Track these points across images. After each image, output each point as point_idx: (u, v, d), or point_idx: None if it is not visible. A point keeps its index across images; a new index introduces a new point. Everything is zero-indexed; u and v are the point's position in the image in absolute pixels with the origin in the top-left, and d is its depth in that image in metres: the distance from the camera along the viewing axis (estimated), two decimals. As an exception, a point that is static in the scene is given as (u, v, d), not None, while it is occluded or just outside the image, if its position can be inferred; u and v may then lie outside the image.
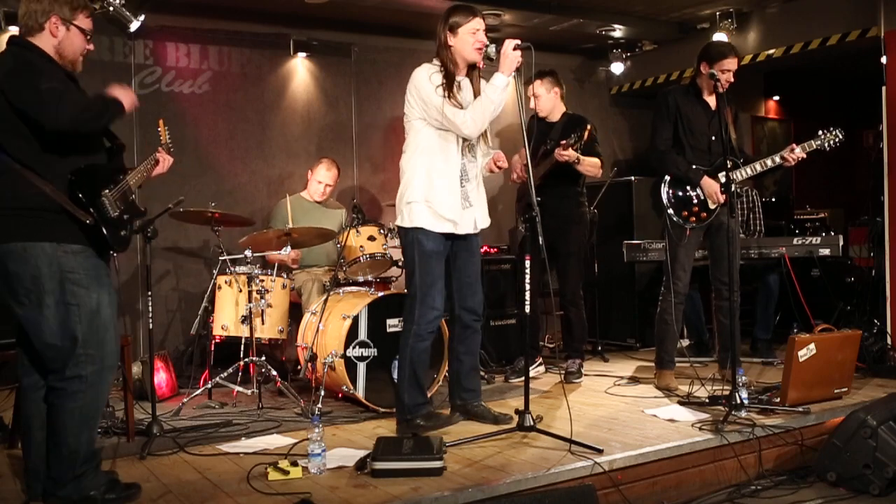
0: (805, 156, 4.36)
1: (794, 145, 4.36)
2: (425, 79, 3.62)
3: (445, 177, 3.64)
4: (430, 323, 3.67)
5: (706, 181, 4.41)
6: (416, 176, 3.64)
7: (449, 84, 3.60)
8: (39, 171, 2.68)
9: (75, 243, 2.73)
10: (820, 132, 4.39)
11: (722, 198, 4.36)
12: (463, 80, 3.71)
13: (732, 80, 4.37)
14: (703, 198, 4.46)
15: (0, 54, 2.78)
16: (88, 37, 2.89)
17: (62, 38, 2.81)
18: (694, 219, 4.47)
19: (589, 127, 4.80)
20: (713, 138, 4.45)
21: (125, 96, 2.84)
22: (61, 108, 2.60)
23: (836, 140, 4.36)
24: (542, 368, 5.25)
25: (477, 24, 3.63)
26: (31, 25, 2.78)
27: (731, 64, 4.38)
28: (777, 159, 4.37)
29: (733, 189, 4.11)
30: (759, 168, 4.39)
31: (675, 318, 4.55)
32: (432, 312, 3.66)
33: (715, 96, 4.22)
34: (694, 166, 4.46)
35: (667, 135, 4.53)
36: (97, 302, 2.75)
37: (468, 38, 3.61)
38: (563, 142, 4.77)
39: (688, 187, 4.47)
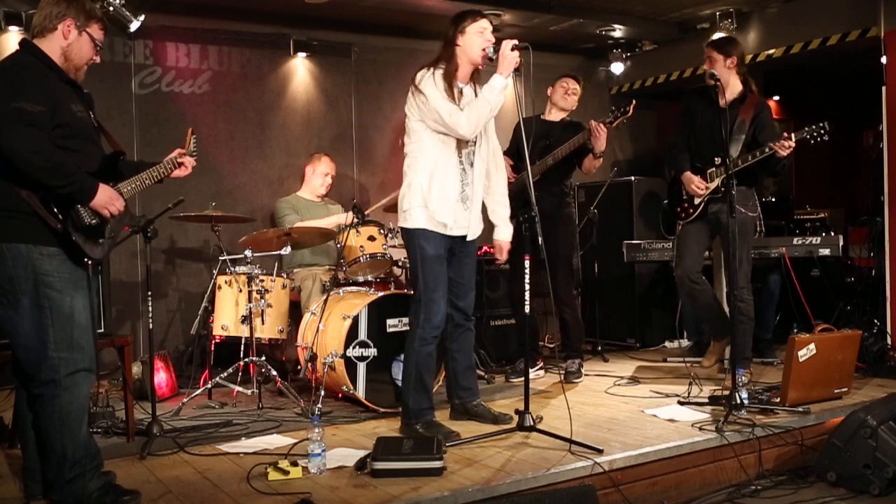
0: (794, 144, 4.32)
1: (785, 134, 4.34)
2: (425, 76, 3.63)
3: (445, 182, 3.64)
4: (434, 327, 3.66)
5: (685, 176, 4.65)
6: (415, 180, 3.65)
7: (449, 82, 3.62)
8: (16, 172, 2.65)
9: (51, 246, 2.72)
10: (810, 126, 4.37)
11: (701, 191, 4.57)
12: (465, 88, 3.71)
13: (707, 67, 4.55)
14: (690, 194, 4.69)
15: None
16: (98, 48, 2.91)
17: (72, 42, 2.83)
18: (684, 214, 4.73)
19: (634, 101, 4.88)
20: (716, 136, 4.47)
21: (106, 198, 2.77)
22: (15, 137, 2.56)
23: (823, 132, 4.31)
24: (541, 373, 5.21)
25: (485, 23, 3.69)
26: (44, 26, 2.80)
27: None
28: (766, 150, 4.36)
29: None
30: (749, 159, 4.40)
31: (697, 297, 4.70)
32: (436, 316, 3.65)
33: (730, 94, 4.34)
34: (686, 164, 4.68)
35: (680, 134, 4.81)
36: (71, 306, 2.73)
37: (476, 37, 3.64)
38: (606, 120, 4.84)
39: (679, 187, 4.74)
